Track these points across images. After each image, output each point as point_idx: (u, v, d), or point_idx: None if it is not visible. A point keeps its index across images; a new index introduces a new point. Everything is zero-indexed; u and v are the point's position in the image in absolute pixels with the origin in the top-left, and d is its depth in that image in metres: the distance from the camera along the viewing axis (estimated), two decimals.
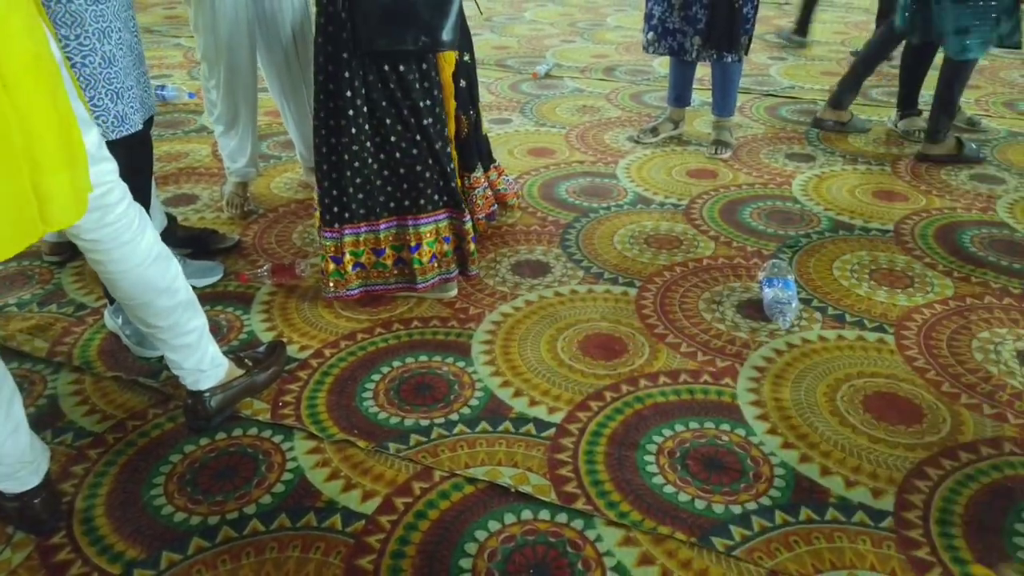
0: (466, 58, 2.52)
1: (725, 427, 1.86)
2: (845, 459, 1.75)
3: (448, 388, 1.98)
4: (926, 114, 3.57)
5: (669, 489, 1.67)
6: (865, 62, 3.64)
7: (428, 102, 2.16)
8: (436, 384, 2.00)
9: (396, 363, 2.08)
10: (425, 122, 2.16)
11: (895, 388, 1.98)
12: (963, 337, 2.17)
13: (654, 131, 3.67)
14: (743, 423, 1.87)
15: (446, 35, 2.09)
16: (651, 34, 3.40)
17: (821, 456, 1.76)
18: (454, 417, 1.88)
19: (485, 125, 2.81)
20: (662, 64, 4.86)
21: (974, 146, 3.37)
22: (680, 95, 3.62)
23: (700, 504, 1.63)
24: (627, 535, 1.56)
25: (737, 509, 1.62)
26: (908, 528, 1.56)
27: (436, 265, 2.32)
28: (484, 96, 4.30)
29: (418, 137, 2.18)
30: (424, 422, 1.86)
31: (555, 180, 3.25)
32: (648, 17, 3.39)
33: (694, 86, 3.66)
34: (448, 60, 2.36)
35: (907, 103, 3.64)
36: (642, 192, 3.13)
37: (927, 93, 3.58)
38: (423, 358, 2.10)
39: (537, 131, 3.83)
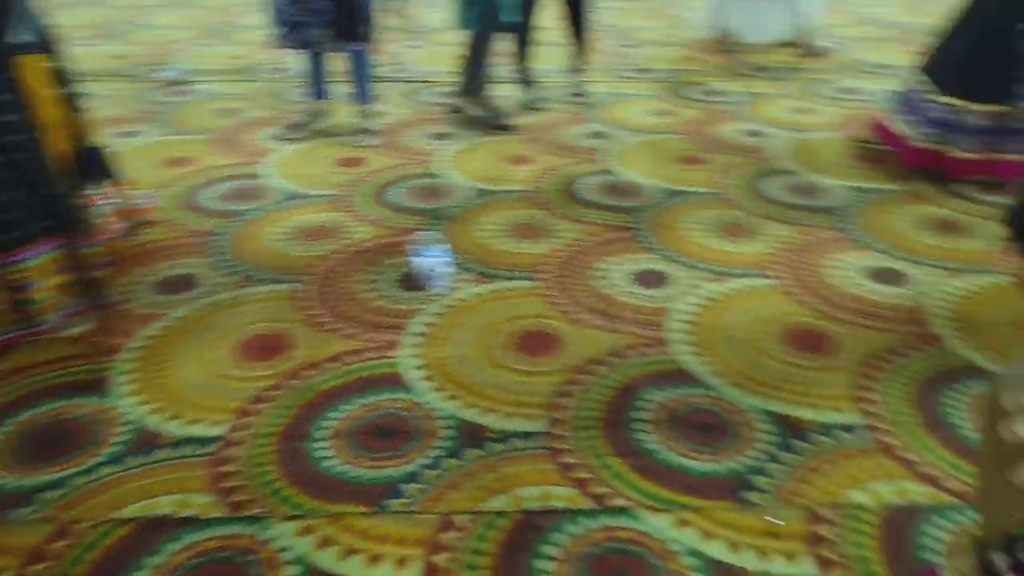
0: (56, 63, 2.24)
1: (393, 395, 1.90)
2: (502, 396, 1.89)
3: (86, 431, 1.77)
4: (548, 82, 3.97)
5: (343, 468, 1.67)
6: (473, 51, 3.86)
7: (12, 116, 1.89)
8: (72, 430, 1.77)
9: (13, 420, 1.80)
10: (11, 140, 1.89)
11: (540, 325, 2.18)
12: (587, 270, 2.46)
13: (300, 126, 3.62)
14: (409, 388, 1.93)
15: (16, 36, 1.84)
16: (280, 29, 3.34)
17: (481, 399, 1.89)
18: (97, 460, 1.68)
19: (102, 138, 2.53)
20: (300, 60, 4.79)
21: (505, 113, 3.74)
22: (320, 88, 3.60)
23: (374, 474, 1.66)
24: (305, 524, 1.53)
25: (410, 468, 1.67)
26: (557, 440, 1.74)
27: (58, 301, 2.05)
28: (108, 110, 3.88)
29: (5, 158, 1.90)
30: (58, 475, 1.64)
31: (197, 188, 3.05)
32: (275, 12, 3.33)
33: (336, 78, 3.66)
34: (32, 66, 2.08)
35: (522, 77, 4.00)
36: (293, 188, 3.07)
37: (543, 65, 4.00)
38: (52, 406, 1.85)
39: (174, 140, 3.56)
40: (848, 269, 2.43)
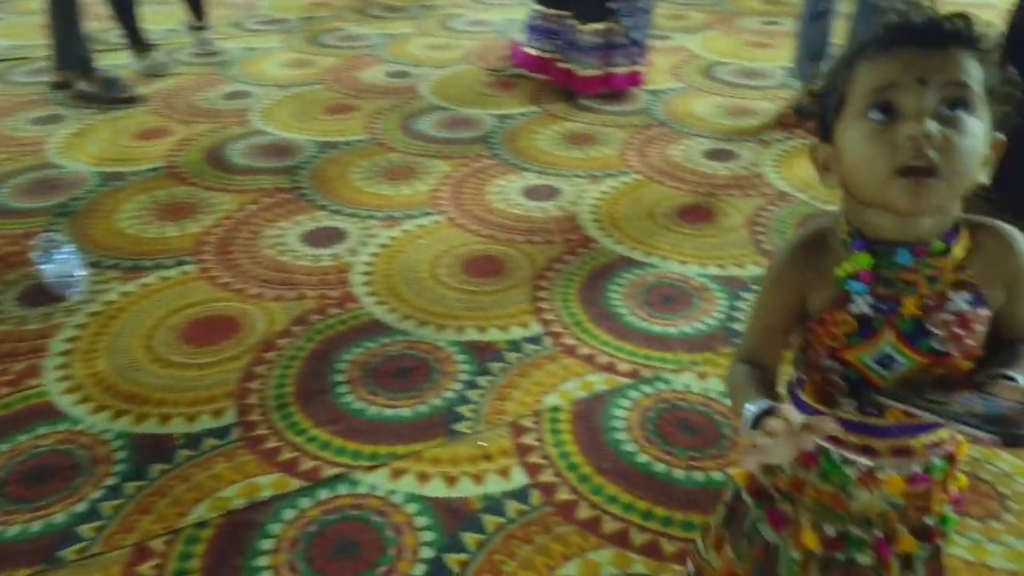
0: None
1: (43, 431, 1.61)
2: (181, 397, 1.70)
3: None
4: (168, 44, 3.56)
5: None
6: (57, 16, 3.26)
7: None
8: None
9: None
10: None
11: (209, 311, 1.99)
12: (254, 240, 2.29)
13: None
14: (63, 416, 1.64)
15: None
16: None
17: (156, 407, 1.67)
18: None
19: None
20: None
21: (121, 84, 3.27)
22: None
23: (37, 526, 1.39)
24: None
25: (82, 507, 1.43)
26: (253, 428, 1.61)
27: None
28: None
29: None
30: None
31: None
32: None
33: None
34: None
35: (134, 41, 3.54)
36: None
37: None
38: None
39: None
40: (507, 192, 2.57)
